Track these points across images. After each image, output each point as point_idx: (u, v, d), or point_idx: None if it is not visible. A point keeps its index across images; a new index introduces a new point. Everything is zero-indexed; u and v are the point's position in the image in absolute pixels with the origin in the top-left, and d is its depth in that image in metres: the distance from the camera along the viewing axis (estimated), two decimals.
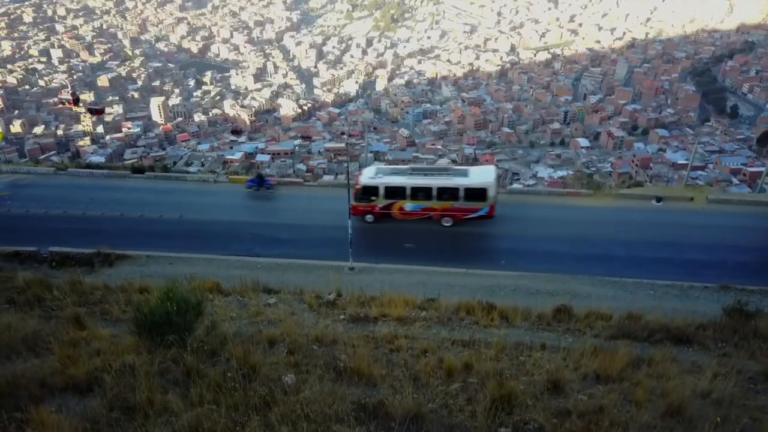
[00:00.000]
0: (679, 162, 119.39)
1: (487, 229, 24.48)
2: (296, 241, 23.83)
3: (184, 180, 29.60)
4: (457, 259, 22.14)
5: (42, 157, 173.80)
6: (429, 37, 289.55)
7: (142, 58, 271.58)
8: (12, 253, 22.10)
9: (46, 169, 30.28)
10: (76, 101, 44.92)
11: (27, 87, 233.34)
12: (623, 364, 6.79)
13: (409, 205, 23.65)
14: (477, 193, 23.05)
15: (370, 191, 23.79)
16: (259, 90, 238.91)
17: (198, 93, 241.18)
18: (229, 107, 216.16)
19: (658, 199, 26.09)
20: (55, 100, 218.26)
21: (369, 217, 24.31)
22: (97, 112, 46.34)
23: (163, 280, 20.00)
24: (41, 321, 7.74)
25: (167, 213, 25.92)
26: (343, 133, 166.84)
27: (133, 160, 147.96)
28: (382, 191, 23.60)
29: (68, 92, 45.36)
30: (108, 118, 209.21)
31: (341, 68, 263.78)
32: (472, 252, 23.52)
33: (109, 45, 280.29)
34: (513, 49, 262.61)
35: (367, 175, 24.43)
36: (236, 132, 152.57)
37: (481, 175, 23.91)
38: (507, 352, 7.28)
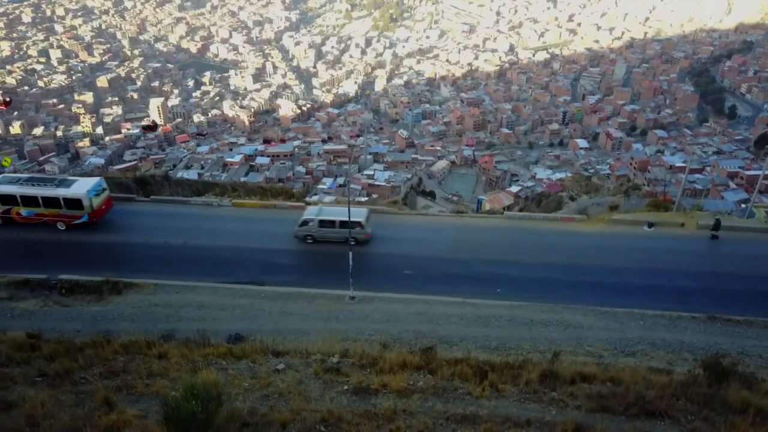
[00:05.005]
0: (677, 165, 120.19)
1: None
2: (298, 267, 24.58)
3: (188, 204, 30.40)
4: (457, 286, 22.80)
5: (41, 158, 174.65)
6: (428, 37, 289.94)
7: (141, 58, 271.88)
8: (23, 280, 22.77)
9: None
10: (153, 127, 46.53)
11: (26, 88, 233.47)
12: None
13: (24, 211, 26.33)
14: (74, 203, 25.91)
15: None
16: (258, 90, 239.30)
17: (197, 93, 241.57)
18: (228, 108, 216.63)
19: (650, 225, 26.84)
20: (54, 101, 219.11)
21: None
22: (149, 128, 47.27)
23: (171, 307, 20.93)
24: (74, 399, 8.53)
25: (172, 238, 26.52)
26: (330, 138, 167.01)
27: (132, 162, 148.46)
28: None
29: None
30: (107, 119, 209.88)
31: (340, 68, 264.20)
32: (469, 278, 24.14)
33: (108, 45, 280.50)
34: (512, 48, 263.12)
35: None
36: (267, 141, 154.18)
37: (79, 187, 26.40)
38: (495, 429, 8.09)
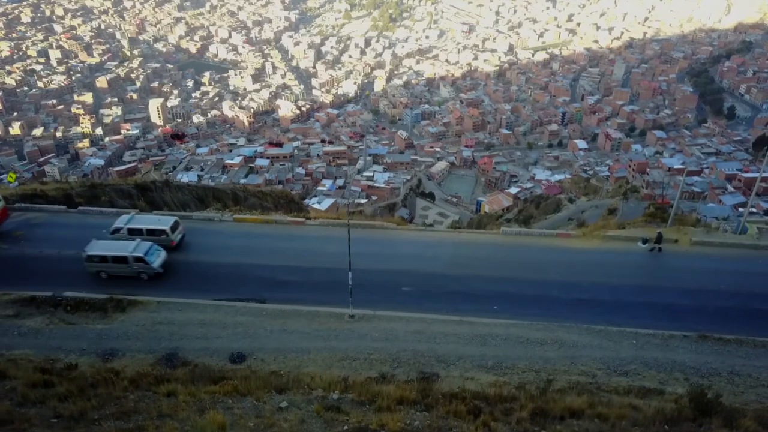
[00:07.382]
0: (676, 167, 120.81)
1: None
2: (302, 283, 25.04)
3: (189, 219, 30.79)
4: (455, 303, 23.13)
5: (41, 159, 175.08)
6: (427, 37, 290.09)
7: (141, 58, 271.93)
8: (29, 297, 23.21)
9: (58, 207, 31.45)
10: (181, 136, 46.76)
11: (26, 88, 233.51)
12: None
13: None
14: None
15: None
16: (257, 91, 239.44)
17: (196, 94, 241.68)
18: (228, 108, 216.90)
19: (644, 241, 27.24)
20: (54, 102, 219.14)
21: None
22: (178, 137, 47.12)
23: (175, 325, 21.35)
24: None
25: None
26: (325, 141, 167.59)
27: (132, 164, 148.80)
28: None
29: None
30: (107, 120, 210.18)
31: (339, 69, 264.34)
32: (467, 294, 24.45)
33: (108, 45, 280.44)
34: (511, 48, 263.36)
35: None
36: (279, 144, 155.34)
37: None
38: None
